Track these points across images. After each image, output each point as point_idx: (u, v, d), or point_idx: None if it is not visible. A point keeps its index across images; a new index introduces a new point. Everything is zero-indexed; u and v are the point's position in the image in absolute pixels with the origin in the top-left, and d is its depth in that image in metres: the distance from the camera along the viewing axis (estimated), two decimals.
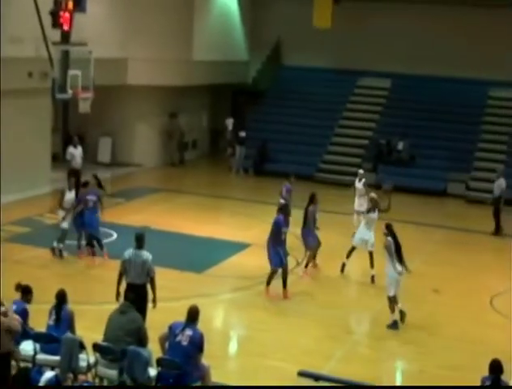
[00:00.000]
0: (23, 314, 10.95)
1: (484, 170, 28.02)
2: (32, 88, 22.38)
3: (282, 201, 19.90)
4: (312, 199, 18.11)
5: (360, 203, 20.98)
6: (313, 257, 18.03)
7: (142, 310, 12.13)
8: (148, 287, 12.66)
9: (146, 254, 12.69)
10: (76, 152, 22.88)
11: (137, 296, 11.91)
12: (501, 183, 22.96)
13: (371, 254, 17.38)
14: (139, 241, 12.82)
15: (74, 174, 22.45)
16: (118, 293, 12.59)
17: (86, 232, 18.19)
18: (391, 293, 14.72)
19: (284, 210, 16.78)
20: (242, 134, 30.87)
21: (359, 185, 21.35)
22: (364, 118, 32.27)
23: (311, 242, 17.87)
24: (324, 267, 18.32)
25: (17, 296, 11.45)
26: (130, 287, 12.52)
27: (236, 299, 16.23)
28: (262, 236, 20.61)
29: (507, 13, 31.08)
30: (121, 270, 12.77)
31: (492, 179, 24.02)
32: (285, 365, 12.54)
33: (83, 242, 18.18)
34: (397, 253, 14.91)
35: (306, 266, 17.90)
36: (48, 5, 20.75)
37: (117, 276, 12.80)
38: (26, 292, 11.25)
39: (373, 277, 17.26)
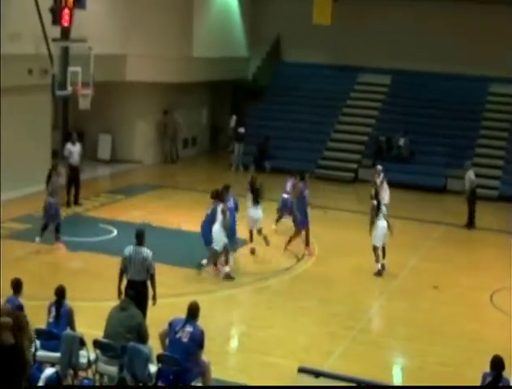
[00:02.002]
0: (20, 310, 10.93)
1: (484, 166, 28.01)
2: (31, 85, 22.37)
3: (285, 196, 20.57)
4: (303, 176, 19.43)
5: (382, 196, 21.59)
6: (298, 235, 18.99)
7: (143, 307, 12.14)
8: (148, 284, 12.67)
9: (146, 251, 12.68)
10: (74, 149, 22.52)
11: (137, 293, 11.92)
12: (469, 176, 22.88)
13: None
14: (139, 237, 12.81)
15: (71, 171, 22.44)
16: (120, 291, 12.58)
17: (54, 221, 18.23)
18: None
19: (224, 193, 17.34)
20: (241, 130, 30.85)
21: (378, 180, 21.83)
22: (364, 115, 32.27)
23: (300, 222, 18.63)
24: (323, 263, 18.34)
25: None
26: (130, 284, 12.53)
27: (235, 295, 16.24)
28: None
29: (507, 9, 31.06)
30: (122, 267, 12.76)
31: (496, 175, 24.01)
32: (285, 362, 12.55)
33: None
34: (255, 199, 18.50)
35: (307, 244, 18.56)
36: (47, 2, 20.77)
37: (117, 273, 12.81)
38: (17, 286, 11.20)
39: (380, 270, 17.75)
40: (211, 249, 16.87)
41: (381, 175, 22.04)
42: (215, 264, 17.02)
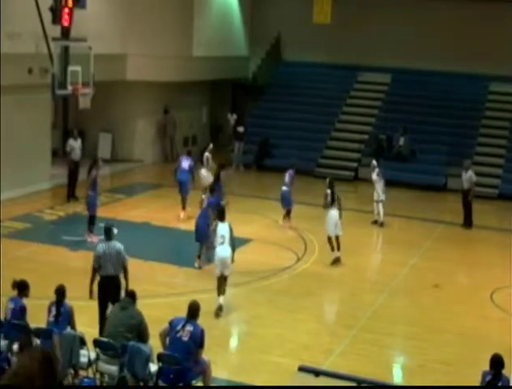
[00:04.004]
0: (22, 311, 10.96)
1: (485, 165, 28.01)
2: (32, 84, 22.38)
3: (284, 188, 21.17)
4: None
5: (378, 192, 21.83)
6: None
7: (117, 300, 12.40)
8: (121, 276, 12.82)
9: (118, 244, 12.86)
10: (76, 145, 23.05)
11: (113, 287, 12.31)
12: (470, 176, 22.68)
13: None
14: (109, 233, 12.99)
15: (73, 166, 22.74)
16: (92, 291, 12.64)
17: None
18: None
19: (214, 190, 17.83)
20: (241, 129, 30.85)
21: (374, 176, 22.07)
22: (364, 113, 32.26)
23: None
24: (322, 262, 18.33)
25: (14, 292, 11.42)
26: (106, 280, 12.65)
27: (236, 294, 16.22)
28: (263, 231, 20.75)
29: (507, 7, 31.07)
30: (95, 265, 12.79)
31: (495, 173, 23.86)
32: (285, 361, 12.56)
33: None
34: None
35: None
36: (48, 1, 20.77)
37: (90, 272, 12.83)
38: (22, 287, 11.22)
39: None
40: None
41: (376, 170, 22.20)
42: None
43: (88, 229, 18.80)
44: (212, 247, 15.39)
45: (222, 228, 14.73)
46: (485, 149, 29.45)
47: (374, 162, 22.77)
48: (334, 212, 18.29)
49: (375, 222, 22.30)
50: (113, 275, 12.66)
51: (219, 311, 14.48)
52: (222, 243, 14.62)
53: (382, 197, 22.15)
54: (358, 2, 32.98)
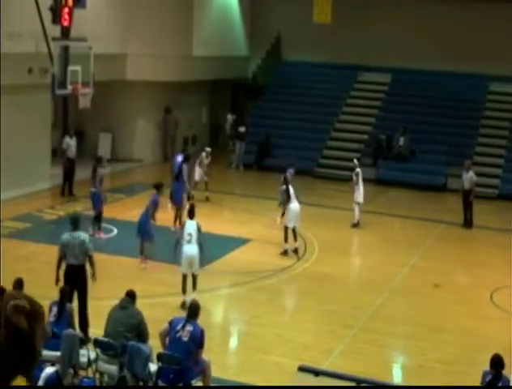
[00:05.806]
0: None
1: (485, 165, 28.01)
2: (32, 84, 22.37)
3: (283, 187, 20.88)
4: (186, 158, 21.36)
5: (355, 196, 21.52)
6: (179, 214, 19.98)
7: (83, 291, 12.71)
8: (87, 268, 12.97)
9: (82, 235, 13.07)
10: (71, 142, 23.32)
11: (77, 277, 12.60)
12: (471, 176, 22.62)
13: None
14: (75, 223, 13.20)
15: (69, 164, 22.87)
16: (58, 278, 12.82)
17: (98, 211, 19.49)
18: None
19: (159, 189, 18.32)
20: (242, 129, 30.84)
21: (353, 175, 21.81)
22: (364, 113, 32.26)
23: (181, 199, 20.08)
24: (322, 262, 18.33)
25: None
26: (69, 268, 12.87)
27: (235, 294, 16.24)
28: (263, 231, 20.74)
29: (507, 7, 31.07)
30: (61, 254, 13.00)
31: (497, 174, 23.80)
32: (285, 360, 12.55)
33: None
34: None
35: (178, 220, 19.92)
36: (48, 1, 20.78)
37: (56, 261, 13.03)
38: (18, 285, 11.22)
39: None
40: None
41: (356, 170, 21.73)
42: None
43: (93, 227, 18.98)
44: (151, 241, 16.98)
45: (190, 226, 14.73)
46: (485, 149, 29.45)
47: (355, 161, 22.39)
48: (294, 206, 18.48)
49: (354, 225, 21.80)
50: (75, 264, 12.86)
51: (182, 307, 13.91)
52: (189, 241, 14.61)
53: (359, 199, 21.50)
54: (358, 2, 32.98)
